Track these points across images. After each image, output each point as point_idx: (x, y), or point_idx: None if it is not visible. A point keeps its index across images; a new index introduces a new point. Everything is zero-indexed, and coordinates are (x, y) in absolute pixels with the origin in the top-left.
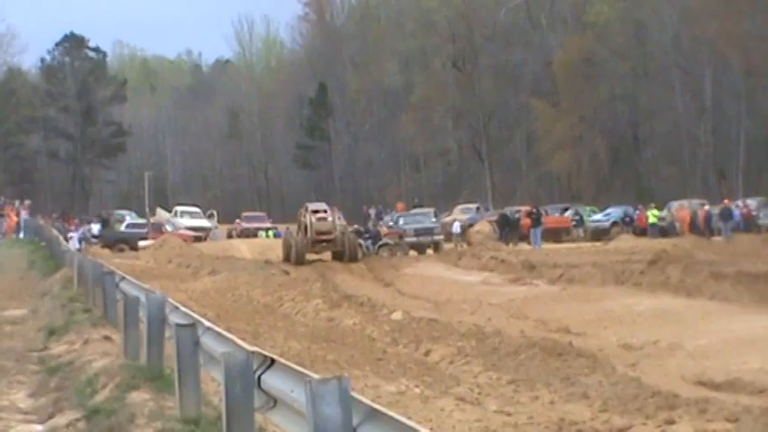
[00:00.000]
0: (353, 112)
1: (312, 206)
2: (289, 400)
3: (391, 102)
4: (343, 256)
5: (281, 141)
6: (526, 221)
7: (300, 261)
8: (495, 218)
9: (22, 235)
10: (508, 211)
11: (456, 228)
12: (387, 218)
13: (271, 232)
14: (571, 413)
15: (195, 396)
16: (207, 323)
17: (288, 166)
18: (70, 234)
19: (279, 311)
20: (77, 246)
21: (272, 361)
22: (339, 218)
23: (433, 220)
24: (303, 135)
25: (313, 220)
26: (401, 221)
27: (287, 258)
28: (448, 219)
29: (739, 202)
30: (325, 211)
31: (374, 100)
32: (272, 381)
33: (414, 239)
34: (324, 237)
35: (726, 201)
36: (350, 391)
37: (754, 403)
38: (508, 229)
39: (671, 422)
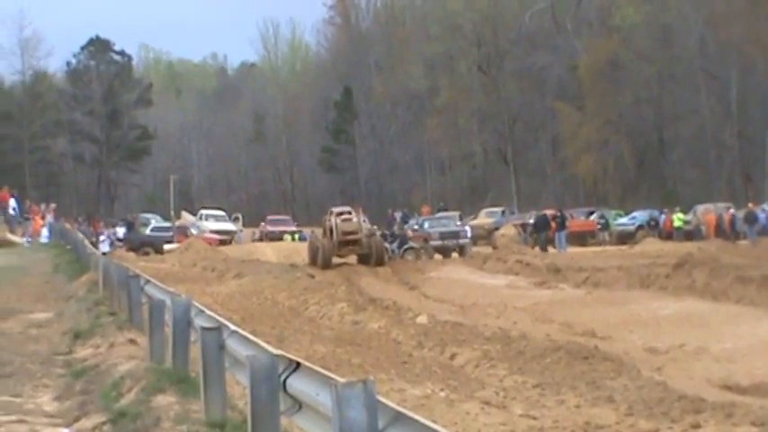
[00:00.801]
0: (379, 115)
1: (337, 209)
2: (314, 403)
3: (416, 105)
4: (369, 259)
5: (306, 145)
6: (551, 225)
7: (327, 265)
8: (521, 221)
9: (45, 239)
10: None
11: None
12: (412, 221)
13: (296, 235)
14: (597, 417)
15: (221, 399)
16: (232, 326)
17: (313, 170)
18: (101, 238)
19: (304, 315)
20: (107, 249)
21: (298, 364)
22: (364, 220)
23: (458, 223)
24: (328, 138)
25: (338, 221)
26: (426, 225)
27: (313, 262)
28: (472, 223)
29: (765, 206)
30: (350, 213)
31: (399, 103)
32: (298, 384)
33: (439, 243)
34: (350, 237)
35: (750, 204)
36: (375, 395)
37: None
38: (546, 233)
39: (697, 426)
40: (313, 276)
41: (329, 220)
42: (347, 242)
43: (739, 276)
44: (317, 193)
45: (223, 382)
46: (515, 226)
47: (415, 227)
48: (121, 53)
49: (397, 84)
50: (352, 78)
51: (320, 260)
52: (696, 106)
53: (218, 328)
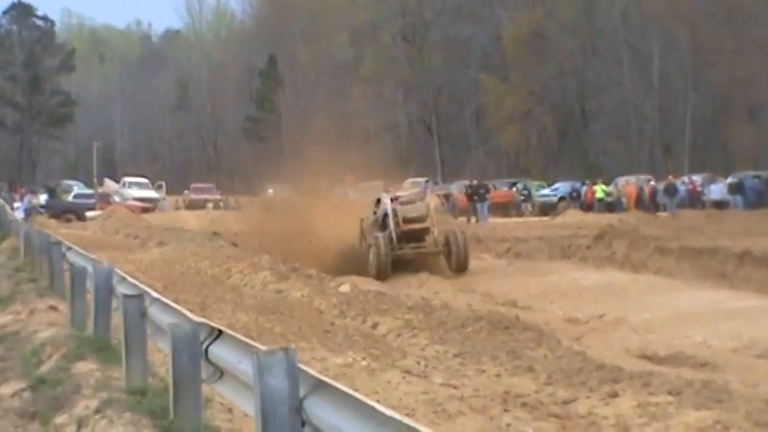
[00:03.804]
0: (303, 84)
1: (392, 193)
2: (236, 371)
3: (341, 74)
4: (447, 260)
5: (230, 113)
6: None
7: (383, 273)
8: (445, 191)
9: None
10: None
11: None
12: (336, 191)
13: (220, 203)
14: (516, 386)
15: (142, 367)
16: (154, 294)
17: (237, 138)
18: (16, 204)
19: (227, 283)
20: (23, 215)
21: (220, 332)
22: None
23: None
24: (253, 107)
25: (397, 206)
26: (351, 195)
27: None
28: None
29: (685, 178)
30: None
31: (324, 72)
32: (220, 352)
33: None
34: (415, 226)
35: (670, 176)
36: (297, 363)
37: (696, 376)
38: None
39: (614, 395)
40: (236, 245)
41: (377, 207)
42: (411, 234)
43: (659, 248)
44: (242, 162)
45: (145, 350)
46: (438, 196)
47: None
48: (44, 18)
49: (322, 53)
50: (277, 47)
51: (373, 265)
52: (618, 79)
53: (140, 296)
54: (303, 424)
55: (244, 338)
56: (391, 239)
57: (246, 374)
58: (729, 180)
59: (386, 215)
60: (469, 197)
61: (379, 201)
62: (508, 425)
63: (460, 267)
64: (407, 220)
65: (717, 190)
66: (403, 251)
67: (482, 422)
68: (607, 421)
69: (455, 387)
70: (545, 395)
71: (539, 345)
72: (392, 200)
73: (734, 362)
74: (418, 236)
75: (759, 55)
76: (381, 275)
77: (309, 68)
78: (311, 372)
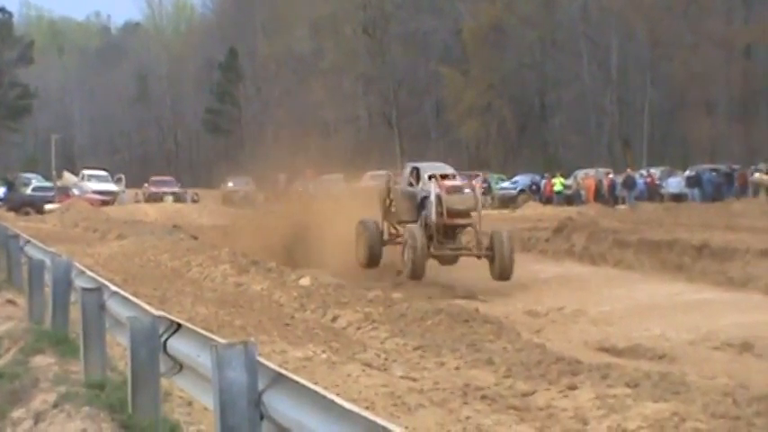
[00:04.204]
0: (264, 77)
1: (430, 167)
2: (195, 364)
3: (302, 68)
4: (492, 264)
5: (190, 106)
6: None
7: (419, 273)
8: None
9: None
10: None
11: None
12: (296, 184)
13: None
14: (476, 378)
15: (100, 360)
16: (113, 287)
17: (197, 131)
18: None
19: (187, 276)
20: None
21: (179, 326)
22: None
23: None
24: (213, 100)
25: (442, 193)
26: (311, 188)
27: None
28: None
29: (643, 171)
30: (454, 176)
31: (284, 66)
32: (179, 345)
33: None
34: (460, 221)
35: (629, 169)
36: (256, 356)
37: (654, 368)
38: None
39: (573, 387)
40: (196, 238)
41: (413, 177)
42: (452, 229)
43: (617, 240)
44: (202, 155)
45: (103, 343)
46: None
47: (300, 189)
48: (2, 10)
49: (283, 46)
50: (238, 40)
51: (408, 263)
52: (577, 72)
53: (99, 289)
54: (262, 417)
55: (203, 332)
56: (430, 235)
57: (206, 368)
58: (687, 173)
59: (426, 197)
60: None
61: (416, 170)
62: (467, 417)
63: (504, 276)
64: (453, 213)
65: (675, 183)
66: (443, 252)
67: (442, 415)
68: (566, 413)
69: (415, 380)
70: (504, 388)
71: (498, 337)
72: (441, 176)
73: (691, 354)
74: (458, 232)
75: (716, 49)
76: (416, 275)
77: (270, 61)
78: (270, 365)
